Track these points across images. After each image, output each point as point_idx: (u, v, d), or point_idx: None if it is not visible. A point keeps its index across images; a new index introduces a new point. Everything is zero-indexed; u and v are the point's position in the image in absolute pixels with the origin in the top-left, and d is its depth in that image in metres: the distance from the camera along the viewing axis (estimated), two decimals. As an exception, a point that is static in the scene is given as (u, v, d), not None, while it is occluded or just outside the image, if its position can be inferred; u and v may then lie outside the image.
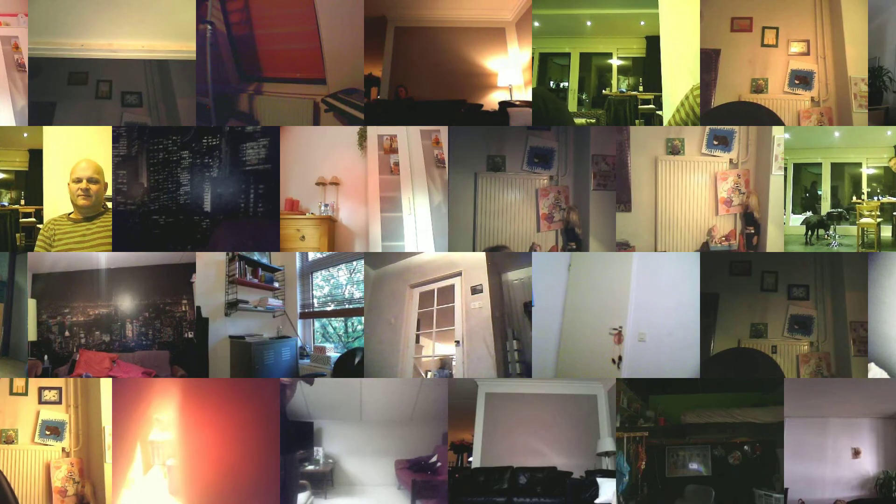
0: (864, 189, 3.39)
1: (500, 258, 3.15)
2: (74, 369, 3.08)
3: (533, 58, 3.31)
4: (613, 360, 2.99)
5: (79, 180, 3.05)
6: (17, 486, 2.98)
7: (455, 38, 3.40)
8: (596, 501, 2.99)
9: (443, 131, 3.14)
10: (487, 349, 3.15)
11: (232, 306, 3.23)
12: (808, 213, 3.35)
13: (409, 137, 3.22)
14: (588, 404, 3.20)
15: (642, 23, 3.37)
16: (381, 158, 3.21)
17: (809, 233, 3.30)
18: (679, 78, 3.19)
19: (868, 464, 3.14)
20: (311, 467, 3.12)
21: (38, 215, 3.15)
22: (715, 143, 3.23)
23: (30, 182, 3.24)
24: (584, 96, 3.50)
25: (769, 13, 3.29)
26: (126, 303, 3.14)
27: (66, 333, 3.15)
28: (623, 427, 3.03)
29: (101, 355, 3.09)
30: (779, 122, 3.13)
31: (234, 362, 3.15)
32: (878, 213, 3.32)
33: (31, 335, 3.06)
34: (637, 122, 3.34)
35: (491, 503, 3.06)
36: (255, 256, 3.07)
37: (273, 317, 3.45)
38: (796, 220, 3.35)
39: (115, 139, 3.09)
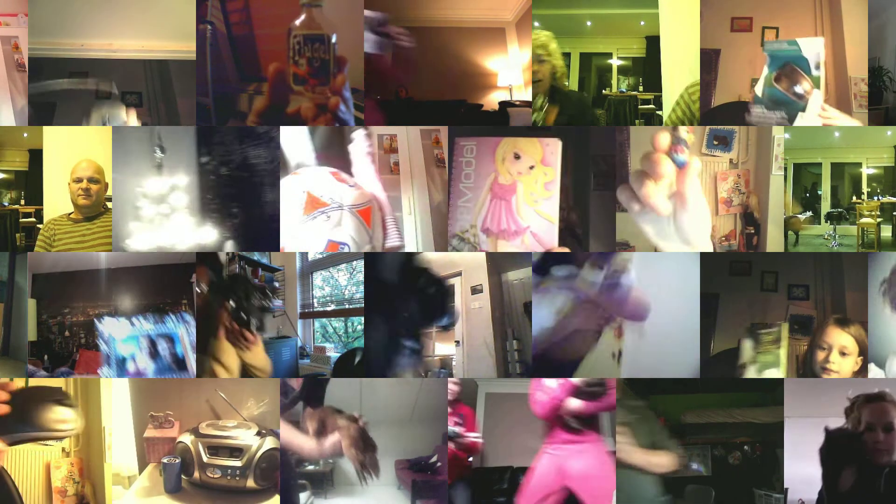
0: (864, 189, 3.39)
1: (501, 258, 3.15)
2: (74, 369, 3.08)
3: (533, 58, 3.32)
4: (613, 355, 2.98)
5: (79, 180, 3.05)
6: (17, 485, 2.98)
7: (455, 38, 3.41)
8: (596, 501, 2.99)
9: (443, 131, 3.14)
10: (487, 349, 3.15)
11: (232, 306, 3.22)
12: (808, 213, 3.36)
13: (409, 137, 3.22)
14: (588, 404, 3.20)
15: (642, 23, 3.37)
16: (381, 158, 3.21)
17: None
18: (679, 78, 3.19)
19: (868, 464, 3.14)
20: (311, 467, 3.12)
21: (38, 215, 3.15)
22: (715, 143, 3.23)
23: (30, 182, 3.24)
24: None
25: (769, 13, 3.28)
26: (126, 303, 3.13)
27: (66, 333, 3.15)
28: (623, 427, 3.02)
29: (101, 355, 3.09)
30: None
31: (234, 362, 3.14)
32: (878, 213, 3.32)
33: (31, 335, 3.06)
34: (637, 122, 3.34)
35: (491, 503, 3.06)
36: (255, 256, 3.07)
37: (273, 317, 3.45)
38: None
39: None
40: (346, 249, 2.87)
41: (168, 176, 3.05)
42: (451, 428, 3.00)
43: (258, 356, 2.94)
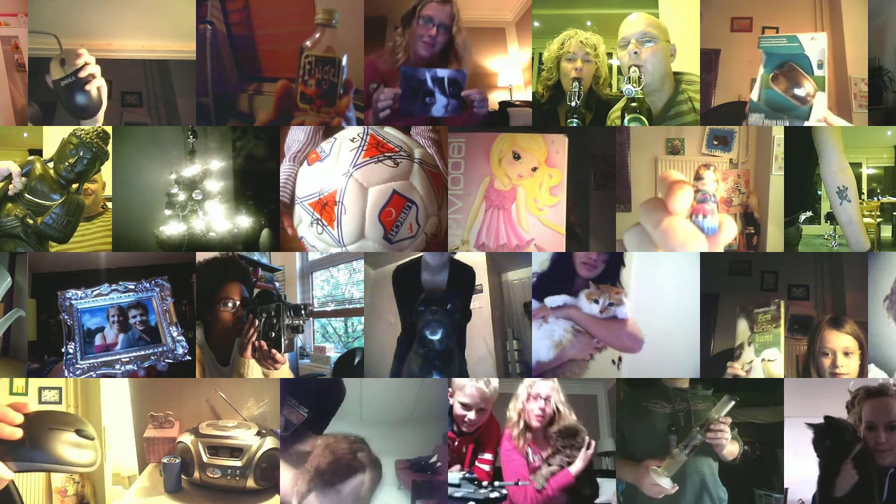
0: (864, 189, 3.39)
1: (500, 258, 3.15)
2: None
3: (533, 58, 3.32)
4: (613, 361, 2.98)
5: (77, 180, 3.05)
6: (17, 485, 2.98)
7: (455, 38, 3.39)
8: (596, 502, 2.98)
9: (442, 132, 3.14)
10: (487, 349, 3.15)
11: (232, 306, 3.22)
12: (809, 213, 3.35)
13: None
14: (588, 404, 3.20)
15: (642, 23, 3.36)
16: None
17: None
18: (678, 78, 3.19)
19: (868, 464, 3.14)
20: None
21: (38, 215, 3.14)
22: (715, 143, 3.23)
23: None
24: (584, 96, 3.49)
25: (769, 13, 3.29)
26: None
27: (66, 333, 3.14)
28: (623, 427, 3.02)
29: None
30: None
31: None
32: (878, 213, 3.32)
33: (31, 335, 3.06)
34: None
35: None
36: (255, 256, 3.07)
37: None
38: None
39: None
40: (412, 213, 2.37)
41: (201, 162, 3.05)
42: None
43: (283, 376, 2.88)
